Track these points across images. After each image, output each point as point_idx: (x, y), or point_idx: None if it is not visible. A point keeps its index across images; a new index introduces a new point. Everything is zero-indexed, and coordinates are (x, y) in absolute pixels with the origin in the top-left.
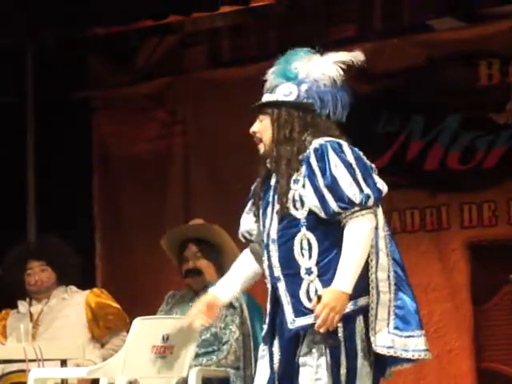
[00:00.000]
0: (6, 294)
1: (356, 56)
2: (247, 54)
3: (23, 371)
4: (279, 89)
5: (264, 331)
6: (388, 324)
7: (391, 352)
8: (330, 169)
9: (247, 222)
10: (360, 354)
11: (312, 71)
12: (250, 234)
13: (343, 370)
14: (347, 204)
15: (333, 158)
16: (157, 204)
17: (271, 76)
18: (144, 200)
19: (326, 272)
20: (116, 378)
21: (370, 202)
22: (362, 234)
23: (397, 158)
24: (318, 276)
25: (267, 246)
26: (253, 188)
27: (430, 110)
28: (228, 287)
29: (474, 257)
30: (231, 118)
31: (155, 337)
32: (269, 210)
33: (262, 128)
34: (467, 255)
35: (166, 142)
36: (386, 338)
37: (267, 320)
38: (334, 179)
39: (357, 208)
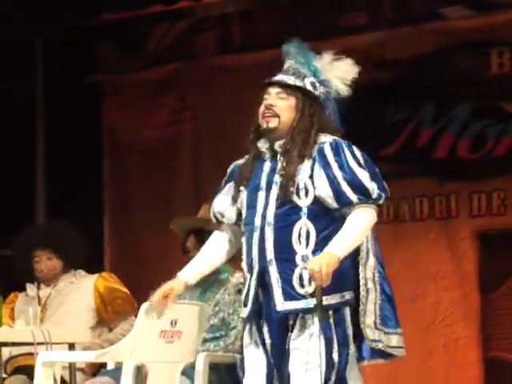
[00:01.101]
0: (14, 277)
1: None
2: (258, 39)
3: (31, 354)
4: (308, 79)
5: (245, 313)
6: (375, 320)
7: (379, 346)
8: (347, 163)
9: (221, 204)
10: (350, 340)
11: (328, 77)
12: (222, 216)
13: (335, 354)
14: (365, 196)
15: (348, 154)
16: (166, 189)
17: (293, 60)
18: (154, 185)
19: None
20: (124, 362)
21: (381, 200)
22: (365, 220)
23: (407, 146)
24: None
25: (261, 228)
26: (230, 171)
27: (440, 99)
28: (194, 270)
29: (483, 245)
30: (241, 104)
31: (163, 322)
32: (261, 194)
33: (284, 106)
34: (476, 244)
35: (175, 127)
36: (374, 333)
37: (250, 303)
38: (353, 173)
39: (370, 201)
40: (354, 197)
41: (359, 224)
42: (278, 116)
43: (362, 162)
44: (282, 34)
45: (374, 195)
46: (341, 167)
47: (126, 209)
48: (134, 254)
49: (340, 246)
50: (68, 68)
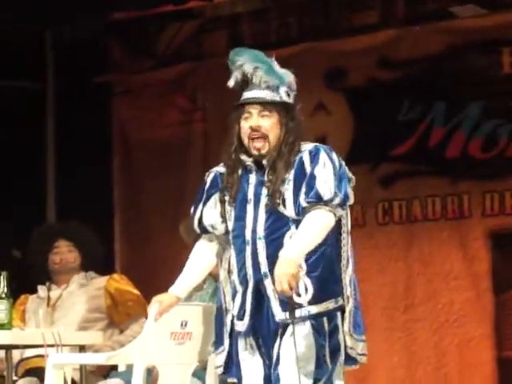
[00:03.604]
0: (26, 279)
1: None
2: (268, 39)
3: (42, 356)
4: (282, 89)
5: (243, 328)
6: (349, 327)
7: (353, 353)
8: (314, 168)
9: (212, 217)
10: (342, 344)
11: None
12: (214, 228)
13: (327, 360)
14: (315, 198)
15: (323, 157)
16: (177, 189)
17: (260, 71)
18: (164, 185)
19: (315, 268)
20: (134, 364)
21: (336, 200)
22: (320, 222)
23: (418, 146)
24: (307, 273)
25: (253, 242)
26: (211, 179)
27: (452, 98)
28: (185, 284)
29: (496, 245)
30: None
31: (174, 323)
32: (249, 207)
33: (270, 125)
34: (488, 244)
35: (186, 127)
36: (351, 340)
37: (247, 317)
38: (313, 177)
39: (321, 203)
40: (303, 202)
41: (313, 226)
42: (266, 137)
43: (336, 163)
44: (292, 33)
45: (326, 197)
46: (308, 172)
47: (136, 209)
48: (145, 254)
49: (295, 250)
50: (78, 68)
